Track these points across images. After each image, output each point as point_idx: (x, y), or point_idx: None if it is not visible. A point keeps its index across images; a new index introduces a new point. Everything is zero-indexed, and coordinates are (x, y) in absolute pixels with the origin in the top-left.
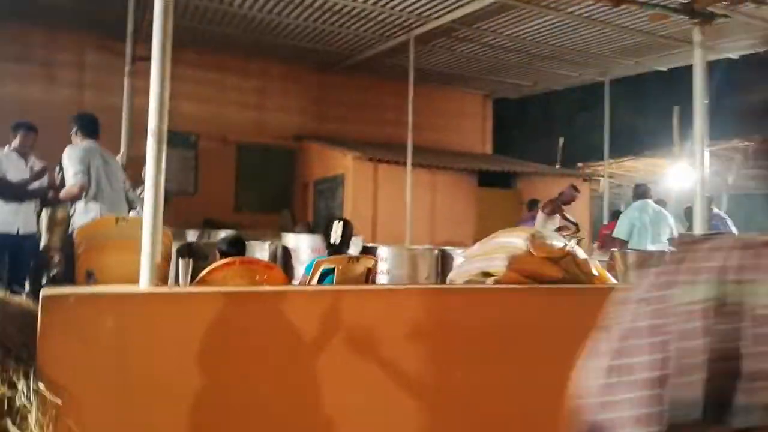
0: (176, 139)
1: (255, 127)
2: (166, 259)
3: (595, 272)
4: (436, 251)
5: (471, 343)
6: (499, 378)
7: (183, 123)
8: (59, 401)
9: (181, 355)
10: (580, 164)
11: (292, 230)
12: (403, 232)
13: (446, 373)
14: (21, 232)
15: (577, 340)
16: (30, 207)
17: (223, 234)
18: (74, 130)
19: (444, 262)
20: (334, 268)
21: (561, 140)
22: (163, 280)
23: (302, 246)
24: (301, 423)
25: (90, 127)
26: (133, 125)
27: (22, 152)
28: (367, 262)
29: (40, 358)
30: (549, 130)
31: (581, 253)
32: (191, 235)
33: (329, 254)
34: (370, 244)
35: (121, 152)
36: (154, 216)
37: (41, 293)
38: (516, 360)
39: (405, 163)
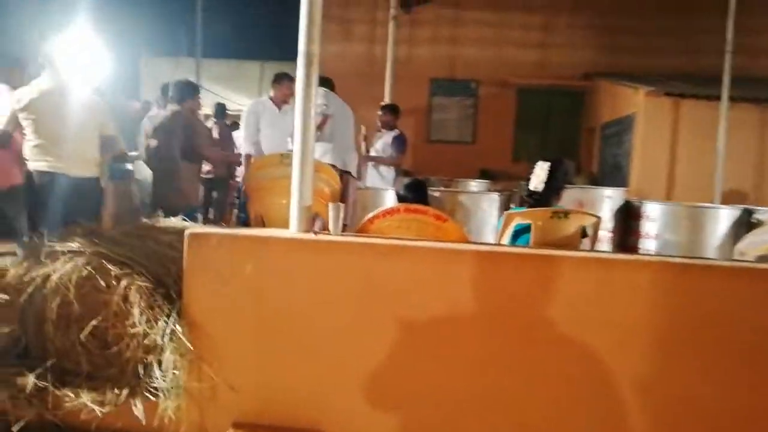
0: (457, 88)
1: (537, 68)
2: (335, 198)
3: None
4: (740, 212)
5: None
6: None
7: (464, 70)
8: (190, 347)
9: (317, 306)
10: None
11: (573, 182)
12: (710, 189)
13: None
14: None
15: None
16: None
17: (474, 185)
18: None
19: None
20: (530, 225)
21: None
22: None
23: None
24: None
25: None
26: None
27: (278, 103)
28: (580, 220)
29: (184, 297)
30: None
31: None
32: (470, 186)
33: (529, 206)
34: (633, 199)
35: (386, 99)
36: (303, 152)
37: (186, 232)
38: None
39: (718, 98)
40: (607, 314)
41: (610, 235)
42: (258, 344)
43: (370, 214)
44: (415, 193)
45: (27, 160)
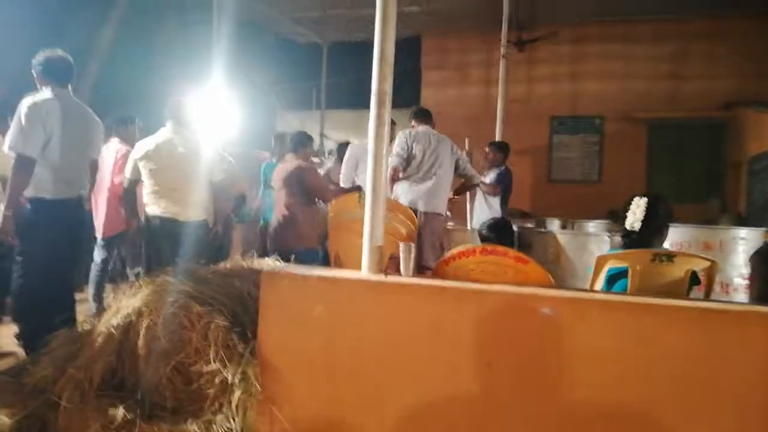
0: (579, 125)
1: (669, 100)
2: (412, 238)
3: None
4: None
5: None
6: None
7: (587, 106)
8: (259, 388)
9: (387, 349)
10: None
11: (719, 223)
12: None
13: None
14: None
15: None
16: None
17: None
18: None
19: None
20: (627, 269)
21: None
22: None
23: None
24: None
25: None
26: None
27: None
28: (689, 263)
29: (258, 337)
30: None
31: None
32: (593, 227)
33: (625, 246)
34: None
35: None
36: (375, 192)
37: (263, 272)
38: None
39: None
40: (715, 374)
41: (746, 282)
42: (328, 387)
43: (446, 255)
44: (497, 232)
45: (145, 205)
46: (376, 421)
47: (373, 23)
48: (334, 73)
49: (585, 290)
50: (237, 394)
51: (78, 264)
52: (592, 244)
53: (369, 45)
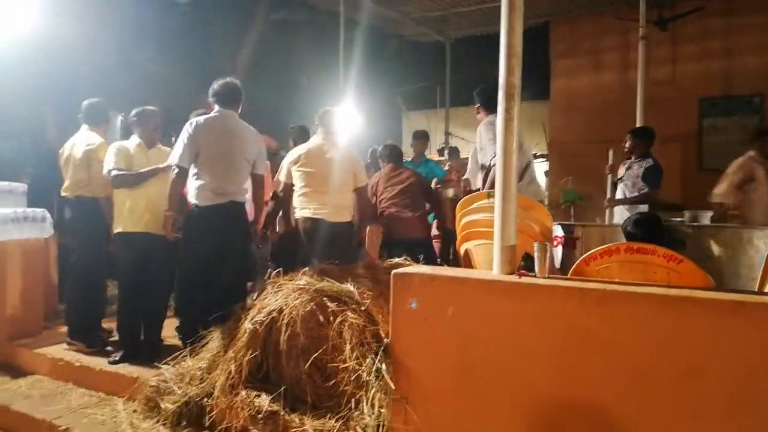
0: (734, 105)
1: None
2: (547, 237)
3: None
4: None
5: None
6: None
7: (743, 84)
8: (393, 386)
9: (519, 352)
10: None
11: None
12: None
13: None
14: None
15: None
16: None
17: None
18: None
19: None
20: None
21: None
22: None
23: None
24: None
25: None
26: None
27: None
28: None
29: (391, 336)
30: None
31: None
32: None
33: None
34: None
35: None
36: (505, 190)
37: (394, 272)
38: None
39: None
40: None
41: None
42: (460, 388)
43: (586, 255)
44: (644, 229)
45: (296, 208)
46: (504, 425)
47: (497, 15)
48: (458, 69)
49: (753, 292)
50: (372, 392)
51: (231, 265)
52: (758, 239)
53: (493, 38)
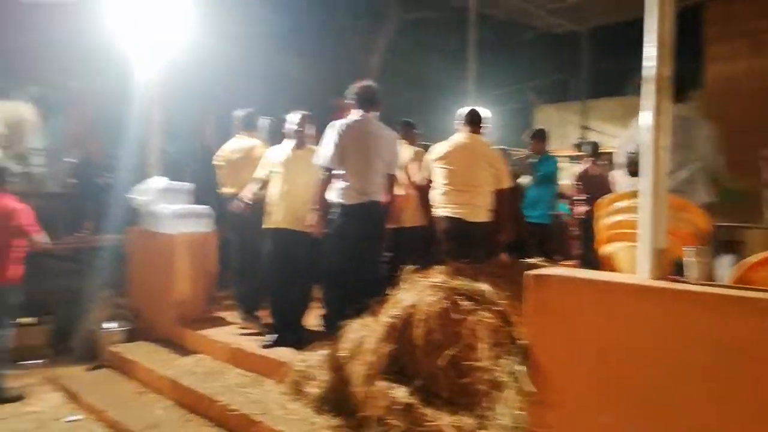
0: None
1: None
2: (702, 239)
3: None
4: None
5: None
6: None
7: None
8: (533, 389)
9: (666, 363)
10: None
11: None
12: None
13: None
14: None
15: None
16: None
17: None
18: None
19: None
20: None
21: None
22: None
23: None
24: None
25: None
26: None
27: None
28: None
29: (527, 337)
30: None
31: None
32: None
33: None
34: None
35: None
36: (656, 190)
37: (528, 272)
38: None
39: None
40: None
41: None
42: (600, 396)
43: (752, 259)
44: None
45: (433, 205)
46: None
47: (638, 2)
48: (595, 60)
49: None
50: (508, 393)
51: (371, 260)
52: None
53: (634, 24)
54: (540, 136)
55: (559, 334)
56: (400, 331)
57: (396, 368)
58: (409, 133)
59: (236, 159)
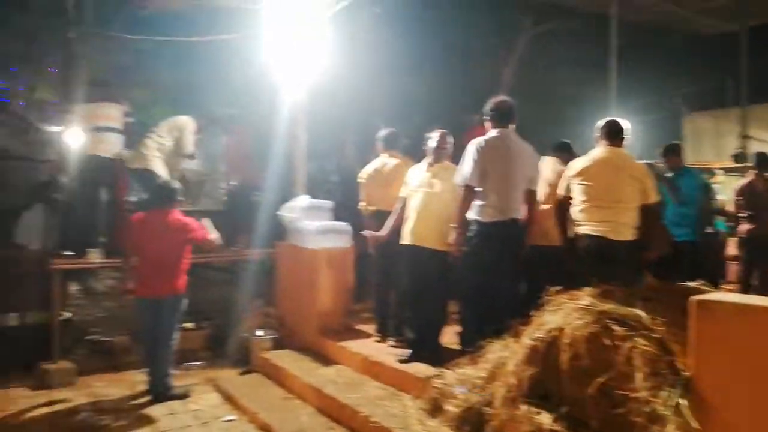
0: None
1: None
2: None
3: None
4: None
5: None
6: None
7: None
8: (697, 426)
9: None
10: None
11: None
12: None
13: None
14: None
15: None
16: None
17: None
18: None
19: None
20: None
21: None
22: None
23: None
24: None
25: None
26: None
27: None
28: None
29: (693, 369)
30: None
31: None
32: None
33: None
34: None
35: None
36: None
37: (692, 298)
38: None
39: None
40: None
41: None
42: None
43: None
44: None
45: (574, 222)
46: None
47: None
48: (755, 62)
49: None
50: (669, 428)
51: (509, 280)
52: None
53: None
54: (673, 151)
55: (728, 366)
56: (544, 355)
57: (539, 393)
58: (565, 155)
59: (380, 177)
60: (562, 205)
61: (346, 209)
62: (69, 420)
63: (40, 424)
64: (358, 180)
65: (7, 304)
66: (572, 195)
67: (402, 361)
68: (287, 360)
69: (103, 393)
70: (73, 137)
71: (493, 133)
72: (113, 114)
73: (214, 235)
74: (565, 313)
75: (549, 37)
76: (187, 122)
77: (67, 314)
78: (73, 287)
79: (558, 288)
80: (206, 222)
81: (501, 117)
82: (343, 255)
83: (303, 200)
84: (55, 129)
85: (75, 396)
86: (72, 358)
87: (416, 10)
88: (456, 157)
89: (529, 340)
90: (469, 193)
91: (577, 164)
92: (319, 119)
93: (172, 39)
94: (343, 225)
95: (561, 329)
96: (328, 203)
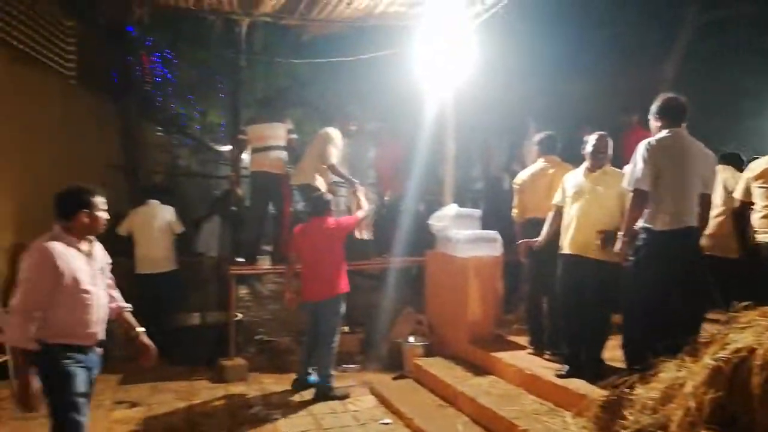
0: None
1: None
2: None
3: None
4: None
5: None
6: None
7: None
8: None
9: None
10: None
11: None
12: None
13: None
14: None
15: None
16: None
17: None
18: None
19: None
20: None
21: None
22: None
23: None
24: None
25: None
26: None
27: None
28: None
29: None
30: None
31: None
32: None
33: None
34: None
35: None
36: None
37: None
38: None
39: None
40: None
41: None
42: None
43: None
44: None
45: (756, 231)
46: None
47: None
48: None
49: None
50: None
51: (687, 294)
52: None
53: None
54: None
55: None
56: (730, 377)
57: (722, 418)
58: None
59: (536, 184)
60: (741, 210)
61: (493, 216)
62: (244, 412)
63: (221, 415)
64: (513, 185)
65: (191, 304)
66: (753, 200)
67: (559, 376)
68: (439, 367)
69: (272, 389)
70: (243, 156)
71: (663, 133)
72: (279, 133)
73: (364, 209)
74: (757, 332)
75: (721, 26)
76: (330, 134)
77: (239, 315)
78: (243, 291)
79: (746, 303)
80: (359, 190)
81: (672, 116)
82: (492, 264)
83: (452, 209)
84: (225, 149)
85: (247, 390)
86: (244, 355)
87: (567, 9)
88: (613, 161)
89: (712, 360)
90: (640, 198)
91: (758, 165)
92: (465, 126)
93: (328, 60)
94: (492, 234)
95: (752, 349)
96: (477, 212)
